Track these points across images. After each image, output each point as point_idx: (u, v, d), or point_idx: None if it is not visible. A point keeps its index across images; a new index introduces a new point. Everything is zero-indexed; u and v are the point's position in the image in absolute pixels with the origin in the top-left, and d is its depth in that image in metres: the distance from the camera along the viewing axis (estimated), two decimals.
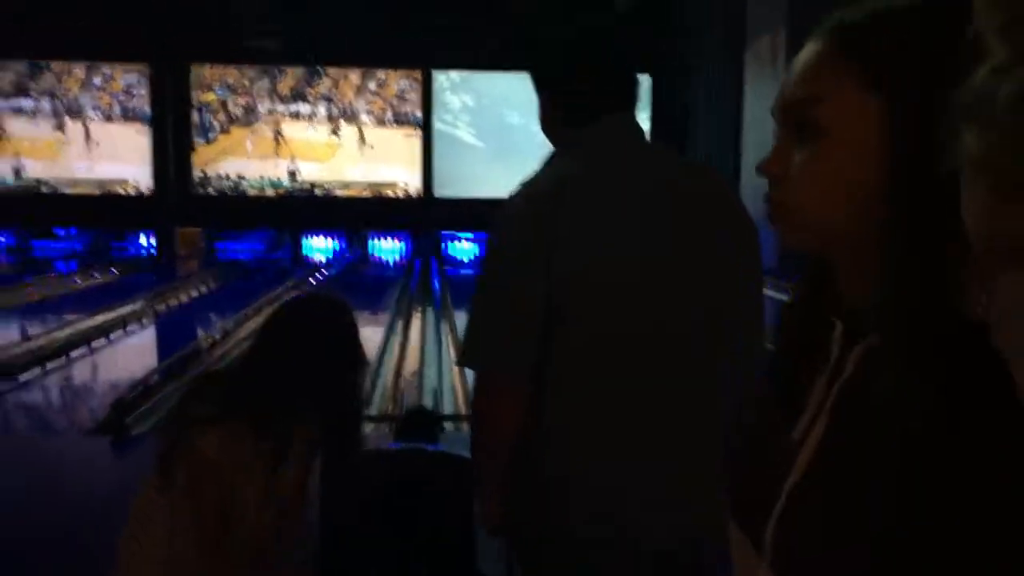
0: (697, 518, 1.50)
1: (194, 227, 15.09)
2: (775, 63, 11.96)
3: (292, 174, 15.49)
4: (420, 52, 14.87)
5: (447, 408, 4.98)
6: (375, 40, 14.52)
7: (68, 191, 15.00)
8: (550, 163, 1.65)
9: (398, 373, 6.00)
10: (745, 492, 0.75)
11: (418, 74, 15.41)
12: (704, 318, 1.53)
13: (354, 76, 15.56)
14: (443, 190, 15.48)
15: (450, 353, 6.83)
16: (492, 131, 15.56)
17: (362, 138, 15.62)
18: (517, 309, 1.48)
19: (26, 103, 14.98)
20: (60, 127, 15.05)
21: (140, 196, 15.10)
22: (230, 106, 15.40)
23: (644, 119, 15.16)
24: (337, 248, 15.54)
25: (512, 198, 1.60)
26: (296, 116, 15.51)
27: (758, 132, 12.58)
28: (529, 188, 1.58)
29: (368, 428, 3.62)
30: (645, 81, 15.15)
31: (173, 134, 15.12)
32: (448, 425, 4.31)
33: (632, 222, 1.52)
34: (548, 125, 1.69)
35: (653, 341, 1.50)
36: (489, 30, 14.24)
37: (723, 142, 13.56)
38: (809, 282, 0.77)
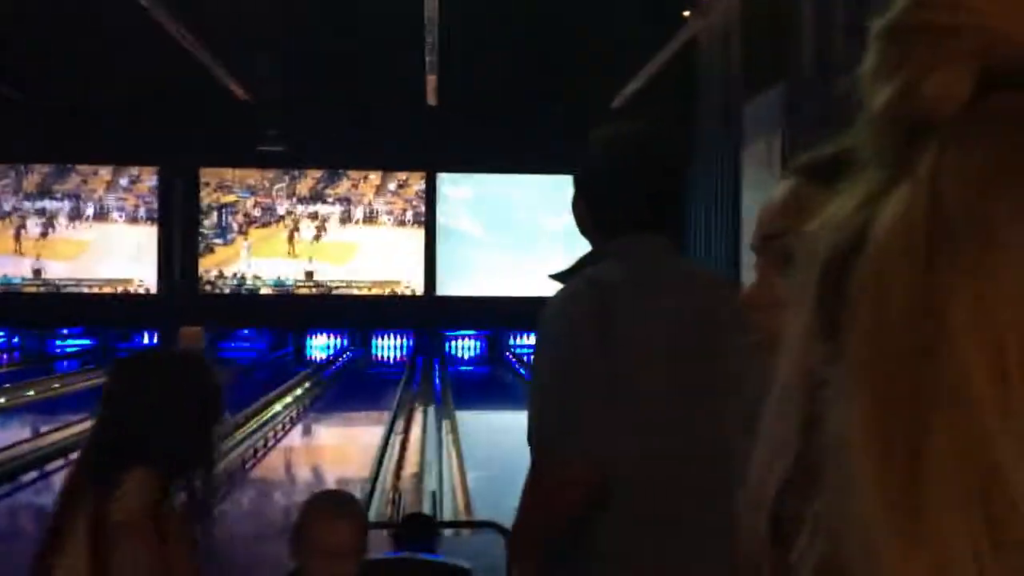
0: None
1: (196, 326, 15.17)
2: (771, 166, 12.21)
3: (309, 274, 15.71)
4: (425, 155, 15.21)
5: (447, 513, 4.94)
6: (382, 143, 14.87)
7: (78, 291, 15.18)
8: (586, 264, 1.72)
9: (397, 475, 5.97)
10: None
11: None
12: (733, 433, 1.60)
13: (375, 177, 15.91)
14: (446, 285, 15.62)
15: (451, 454, 6.80)
16: (493, 222, 15.80)
17: (375, 238, 15.86)
18: (579, 396, 1.54)
19: (50, 204, 15.27)
20: (81, 228, 15.32)
21: (147, 296, 15.26)
22: (249, 207, 15.73)
23: None
24: (339, 346, 15.60)
25: (561, 293, 1.66)
26: (314, 217, 15.82)
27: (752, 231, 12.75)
28: (576, 284, 1.65)
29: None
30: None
31: (181, 234, 15.37)
32: (447, 532, 4.28)
33: (674, 320, 1.61)
34: (580, 226, 1.77)
35: (704, 429, 1.57)
36: (495, 135, 14.60)
37: (721, 244, 13.74)
38: None
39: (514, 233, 15.78)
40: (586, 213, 1.74)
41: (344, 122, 14.43)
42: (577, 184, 1.78)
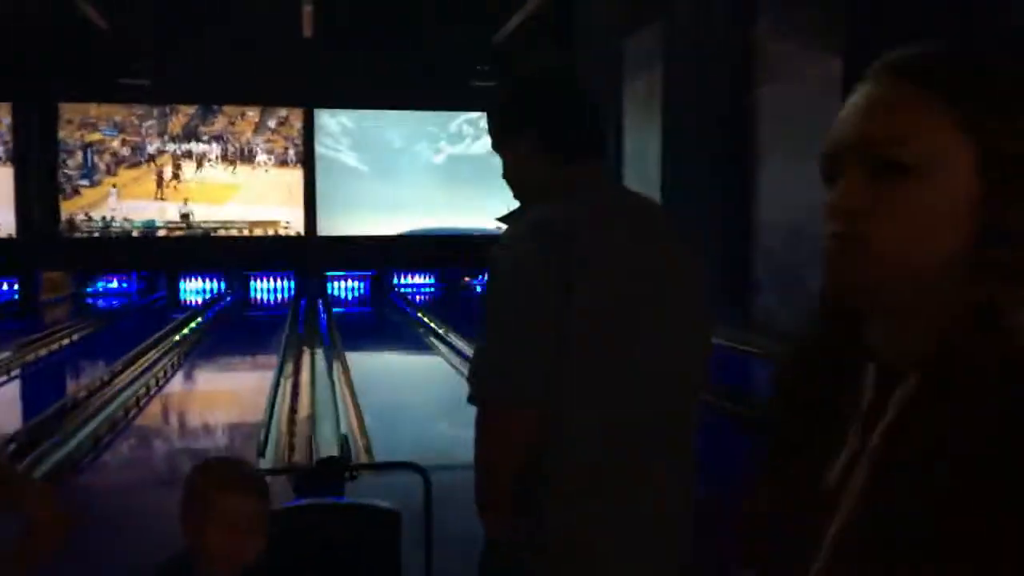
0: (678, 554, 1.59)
1: (60, 271, 14.38)
2: (652, 100, 12.32)
3: (185, 216, 15.05)
4: (302, 91, 14.69)
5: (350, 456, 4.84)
6: (256, 78, 14.26)
7: None
8: (536, 203, 1.62)
9: (292, 420, 5.82)
10: (767, 545, 0.74)
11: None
12: (686, 354, 1.61)
13: (252, 114, 15.24)
14: (327, 225, 15.26)
15: (344, 396, 6.68)
16: (373, 152, 15.52)
17: (256, 178, 15.28)
18: (534, 338, 1.47)
19: None
20: None
21: (6, 241, 14.30)
22: (116, 146, 14.86)
23: None
24: (216, 290, 15.08)
25: (514, 232, 1.56)
26: (188, 156, 15.07)
27: (637, 168, 12.91)
28: (530, 224, 1.55)
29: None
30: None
31: (39, 174, 14.43)
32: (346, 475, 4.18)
33: (631, 259, 1.55)
34: (527, 167, 1.66)
35: (655, 374, 1.54)
36: (374, 69, 14.21)
37: None
38: (830, 330, 0.77)
39: (395, 170, 15.53)
40: (536, 147, 1.64)
41: (215, 55, 13.76)
42: (527, 116, 1.66)
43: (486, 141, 1.75)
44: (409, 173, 15.52)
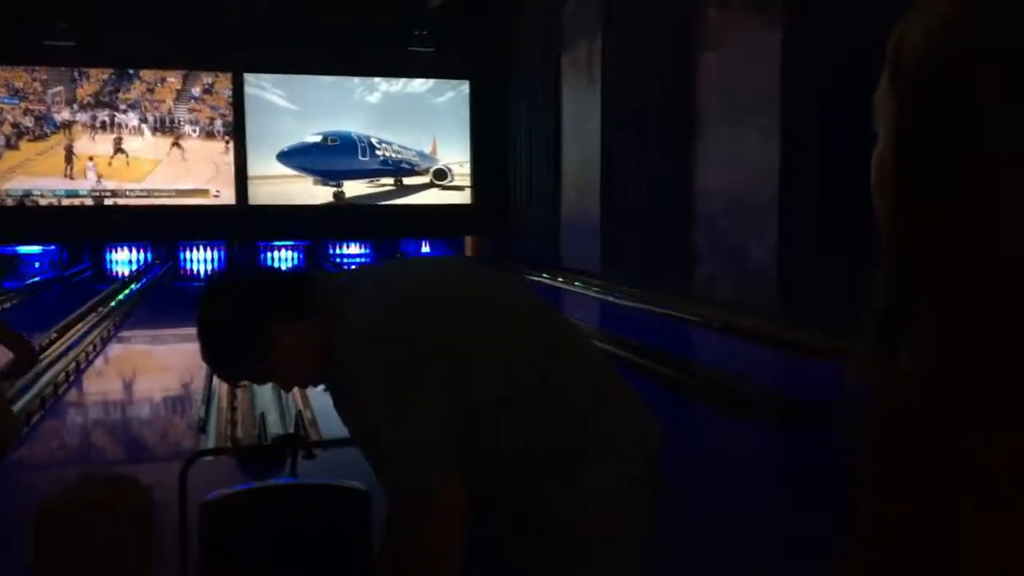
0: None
1: None
2: (591, 67, 12.25)
3: (99, 195, 14.23)
4: (231, 55, 14.22)
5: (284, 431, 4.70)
6: (183, 41, 13.74)
7: None
8: (345, 309, 1.62)
9: (232, 395, 5.64)
10: None
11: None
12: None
13: (174, 80, 14.47)
14: (259, 194, 14.84)
15: None
16: (307, 125, 14.99)
17: (180, 149, 14.56)
18: (438, 422, 1.54)
19: None
20: None
21: None
22: (18, 115, 13.96)
23: (465, 121, 14.79)
24: (144, 260, 14.63)
25: (362, 336, 1.58)
26: (100, 126, 14.22)
27: (575, 133, 12.85)
28: (370, 319, 1.59)
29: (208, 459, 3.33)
30: (465, 87, 15.20)
31: None
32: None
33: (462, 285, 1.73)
34: (301, 345, 1.66)
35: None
36: (308, 34, 13.84)
37: (542, 143, 13.77)
38: None
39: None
40: (286, 326, 1.64)
41: (141, 15, 13.22)
42: (258, 321, 1.64)
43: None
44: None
